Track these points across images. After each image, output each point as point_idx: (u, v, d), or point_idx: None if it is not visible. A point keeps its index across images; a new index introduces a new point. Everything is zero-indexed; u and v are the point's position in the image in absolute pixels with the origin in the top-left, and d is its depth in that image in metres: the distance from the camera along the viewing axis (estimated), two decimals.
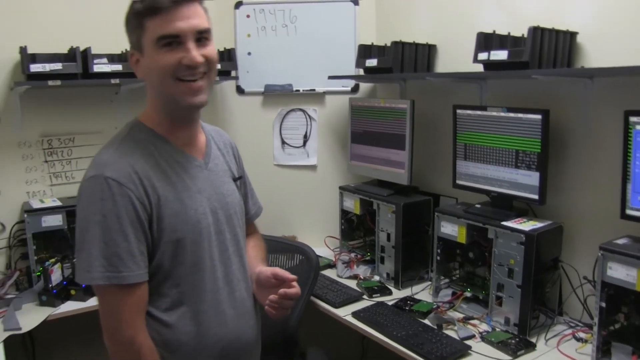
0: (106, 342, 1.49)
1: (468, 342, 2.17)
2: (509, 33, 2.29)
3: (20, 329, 2.39)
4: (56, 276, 2.62)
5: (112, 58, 2.87)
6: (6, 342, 2.30)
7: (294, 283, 1.68)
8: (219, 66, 3.08)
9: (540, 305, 2.23)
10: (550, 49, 2.15)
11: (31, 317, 2.48)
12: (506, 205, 2.41)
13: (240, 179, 1.81)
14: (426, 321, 2.36)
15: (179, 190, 1.55)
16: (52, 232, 2.75)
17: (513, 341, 2.15)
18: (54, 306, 2.56)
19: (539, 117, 2.20)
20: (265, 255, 1.95)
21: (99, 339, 1.51)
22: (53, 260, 2.64)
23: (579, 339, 2.17)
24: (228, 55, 3.19)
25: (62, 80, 2.70)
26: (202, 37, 1.48)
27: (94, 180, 1.45)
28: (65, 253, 2.76)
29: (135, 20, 1.48)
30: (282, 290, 1.64)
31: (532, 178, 2.27)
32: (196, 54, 1.45)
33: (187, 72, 1.47)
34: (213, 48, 1.53)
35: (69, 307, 2.58)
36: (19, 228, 2.86)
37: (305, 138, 3.39)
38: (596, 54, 2.22)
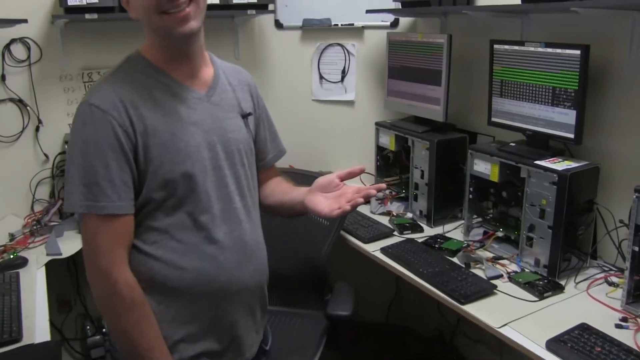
0: (86, 273, 1.46)
1: (495, 282, 2.16)
2: None
3: (60, 254, 2.51)
4: None
5: None
6: (50, 266, 2.42)
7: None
8: None
9: (572, 247, 2.19)
10: None
11: (72, 243, 2.58)
12: (542, 144, 2.34)
13: (249, 115, 1.71)
14: (455, 259, 2.35)
15: (170, 121, 1.49)
16: None
17: (541, 282, 2.12)
18: None
19: (577, 52, 2.11)
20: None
21: None
22: None
23: (610, 284, 2.13)
24: None
25: (99, 14, 2.71)
26: None
27: (80, 107, 1.44)
28: None
29: None
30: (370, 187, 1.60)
31: (568, 116, 2.19)
32: None
33: (169, 4, 1.40)
34: None
35: None
36: (61, 158, 2.95)
37: (343, 73, 3.35)
38: None
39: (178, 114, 1.51)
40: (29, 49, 2.85)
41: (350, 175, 1.67)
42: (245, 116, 1.69)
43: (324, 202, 1.64)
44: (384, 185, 1.78)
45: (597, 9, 2.03)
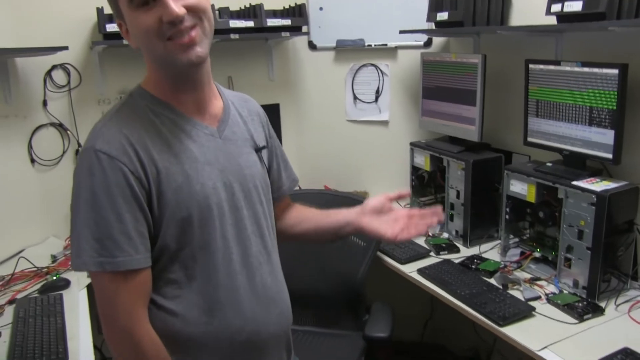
0: (104, 333, 1.34)
1: (533, 304, 2.13)
2: None
3: None
4: None
5: None
6: (91, 287, 2.37)
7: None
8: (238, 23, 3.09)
9: (612, 268, 2.15)
10: None
11: None
12: (579, 164, 2.32)
13: (264, 149, 1.60)
14: (492, 280, 2.34)
15: (183, 162, 1.37)
16: None
17: (580, 304, 2.09)
18: None
19: (615, 71, 2.09)
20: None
21: None
22: None
23: None
24: (299, 11, 3.17)
25: None
26: None
27: (84, 153, 1.30)
28: None
29: None
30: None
31: (606, 136, 2.16)
32: (173, 6, 1.25)
33: (171, 29, 1.28)
34: None
35: None
36: None
37: (377, 93, 3.36)
38: None
39: (191, 153, 1.39)
40: (69, 74, 2.94)
41: (400, 197, 1.69)
42: (259, 150, 1.58)
43: (383, 226, 1.61)
44: (441, 217, 1.69)
45: (633, 27, 2.02)
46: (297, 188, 1.92)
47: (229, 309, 1.42)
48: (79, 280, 2.46)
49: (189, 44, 1.31)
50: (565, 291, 2.21)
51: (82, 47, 2.95)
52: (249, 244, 1.47)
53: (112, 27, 2.75)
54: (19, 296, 2.34)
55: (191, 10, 1.29)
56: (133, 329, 1.31)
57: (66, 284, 2.42)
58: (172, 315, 1.38)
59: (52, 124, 2.93)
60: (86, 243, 1.26)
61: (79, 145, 2.97)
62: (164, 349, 1.36)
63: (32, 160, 2.89)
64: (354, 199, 2.74)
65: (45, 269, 2.55)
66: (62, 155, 2.97)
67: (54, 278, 2.46)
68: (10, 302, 2.29)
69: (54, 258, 2.68)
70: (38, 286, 2.41)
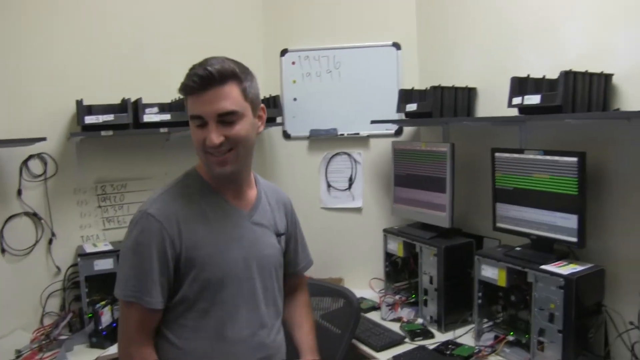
0: (118, 347, 1.73)
1: None
2: (544, 76, 2.29)
3: None
4: (106, 318, 2.72)
5: (163, 107, 2.98)
6: None
7: None
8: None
9: (584, 350, 2.18)
10: (584, 92, 2.16)
11: (82, 358, 2.58)
12: (546, 248, 2.39)
13: (283, 235, 1.95)
14: None
15: (217, 235, 1.73)
16: (103, 275, 2.83)
17: None
18: (103, 347, 2.66)
19: (575, 159, 2.19)
20: (311, 319, 2.10)
21: None
22: (103, 302, 2.75)
23: None
24: (274, 102, 3.28)
25: (114, 130, 2.84)
26: (226, 119, 1.63)
27: (139, 214, 1.69)
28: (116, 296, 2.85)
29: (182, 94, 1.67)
30: None
31: (570, 221, 2.24)
32: (214, 136, 1.61)
33: (210, 149, 1.65)
34: (240, 127, 1.66)
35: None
36: (73, 271, 2.99)
37: (351, 181, 3.44)
38: (634, 95, 2.20)
39: (225, 230, 1.76)
40: (45, 164, 2.96)
41: None
42: (279, 235, 1.92)
43: None
44: None
45: (589, 120, 2.14)
46: None
47: (229, 356, 1.74)
48: None
49: (222, 162, 1.67)
50: None
51: (60, 138, 2.99)
52: (256, 308, 1.80)
53: (91, 119, 2.79)
54: None
55: (228, 139, 1.64)
56: (131, 347, 1.68)
57: None
58: (182, 352, 1.71)
59: (26, 213, 2.93)
60: (127, 280, 1.65)
61: (53, 234, 2.97)
62: None
63: (3, 250, 2.86)
64: (329, 287, 2.75)
65: None
66: (34, 245, 2.94)
67: None
68: None
69: (19, 353, 2.58)
70: None
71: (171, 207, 1.70)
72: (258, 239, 1.83)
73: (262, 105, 1.79)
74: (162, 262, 1.65)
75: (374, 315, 2.94)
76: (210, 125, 1.63)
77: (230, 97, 1.63)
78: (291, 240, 2.04)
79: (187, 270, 1.69)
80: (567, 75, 2.11)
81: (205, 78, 1.59)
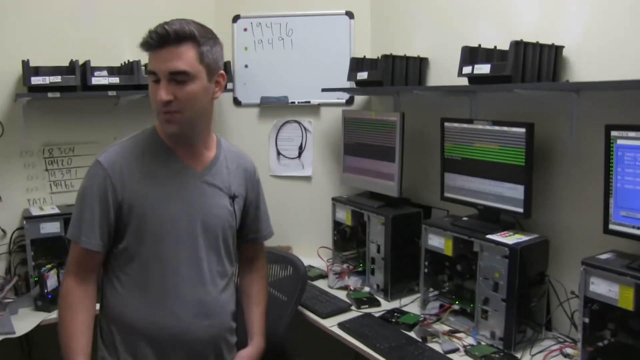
0: None
1: (451, 356, 2.16)
2: (495, 47, 2.29)
3: (14, 332, 2.44)
4: (52, 282, 2.68)
5: (112, 71, 2.93)
6: (2, 344, 2.36)
7: None
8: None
9: (526, 319, 2.22)
10: (534, 63, 2.17)
11: (26, 321, 2.55)
12: (493, 218, 2.41)
13: (236, 198, 1.94)
14: (412, 334, 2.36)
15: (158, 190, 1.78)
16: (50, 239, 2.79)
17: (497, 355, 2.14)
18: (48, 311, 2.62)
19: (522, 130, 2.21)
20: (266, 298, 2.18)
21: (93, 344, 1.79)
22: (49, 266, 2.71)
23: (565, 355, 2.16)
24: (225, 68, 3.20)
25: (62, 93, 2.77)
26: (177, 78, 1.66)
27: (94, 162, 1.79)
28: (62, 260, 2.77)
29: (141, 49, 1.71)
30: None
31: (517, 191, 2.27)
32: (163, 92, 1.65)
33: (160, 106, 1.68)
34: (191, 89, 1.68)
35: None
36: (19, 234, 2.93)
37: (301, 149, 3.42)
38: (584, 68, 2.22)
39: (170, 186, 1.80)
40: None
41: None
42: (232, 197, 1.93)
43: None
44: None
45: (537, 90, 2.15)
46: None
47: (166, 310, 1.78)
48: None
49: (168, 120, 1.71)
50: (483, 343, 2.26)
51: (6, 99, 2.91)
52: (197, 265, 1.83)
53: (37, 80, 2.72)
54: None
55: (178, 97, 1.67)
56: (67, 278, 1.79)
57: None
58: (121, 297, 1.79)
59: None
60: (73, 220, 1.77)
61: None
62: (75, 295, 1.76)
63: None
64: (277, 254, 2.73)
65: None
66: None
67: None
68: None
69: None
70: None
71: (120, 157, 1.77)
72: (207, 198, 1.85)
73: (222, 72, 1.80)
74: (103, 207, 1.74)
75: (321, 284, 2.94)
76: (162, 82, 1.66)
77: (184, 57, 1.66)
78: (251, 207, 2.06)
79: (127, 221, 1.76)
80: (518, 45, 2.11)
81: (162, 36, 1.64)
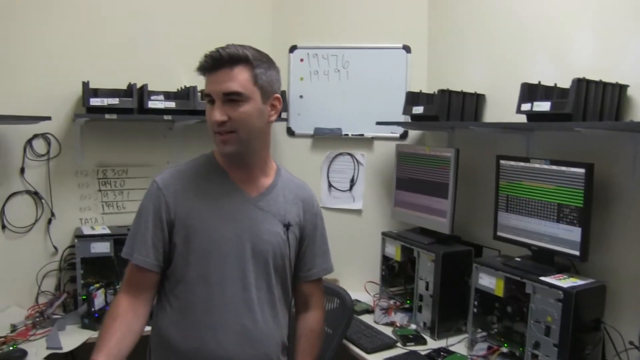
0: None
1: None
2: (555, 84, 2.25)
3: (61, 348, 2.48)
4: (99, 301, 2.72)
5: (168, 95, 2.99)
6: (48, 359, 2.39)
7: None
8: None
9: None
10: (596, 102, 2.11)
11: (73, 338, 2.58)
12: (547, 260, 2.33)
13: (291, 227, 1.90)
14: None
15: (210, 210, 1.80)
16: (100, 259, 2.84)
17: None
18: (94, 330, 2.64)
19: (582, 170, 2.14)
20: (316, 352, 2.03)
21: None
22: (97, 285, 2.75)
23: None
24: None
25: (119, 115, 2.85)
26: (231, 98, 1.69)
27: (151, 182, 1.84)
28: (110, 279, 2.85)
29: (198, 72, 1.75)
30: None
31: (573, 233, 2.19)
32: (217, 113, 1.70)
33: (215, 127, 1.72)
34: (243, 109, 1.71)
35: None
36: (70, 252, 3.00)
37: (352, 182, 3.40)
38: None
39: (223, 207, 1.81)
40: (49, 144, 2.97)
41: None
42: (287, 226, 1.89)
43: None
44: None
45: (598, 129, 2.09)
46: None
47: (210, 334, 1.77)
48: (37, 352, 2.39)
49: (222, 141, 1.74)
50: None
51: (65, 120, 3.00)
52: (243, 290, 1.80)
53: (96, 102, 2.80)
54: None
55: (232, 118, 1.70)
56: (118, 295, 1.81)
57: (22, 355, 2.34)
58: (171, 325, 1.80)
59: (28, 192, 2.94)
60: (128, 238, 1.81)
61: (52, 214, 2.98)
62: (119, 308, 1.76)
63: (3, 227, 2.88)
64: (325, 286, 2.69)
65: (2, 339, 2.47)
66: (34, 224, 2.96)
67: (11, 348, 2.39)
68: None
69: (14, 328, 2.60)
70: None
71: (175, 178, 1.82)
72: (258, 223, 1.84)
73: (278, 95, 1.82)
74: (157, 225, 1.77)
75: (367, 318, 2.90)
76: (216, 103, 1.70)
77: (237, 79, 1.69)
78: (305, 241, 2.00)
79: (178, 240, 1.77)
80: (580, 82, 2.06)
81: (216, 59, 1.69)
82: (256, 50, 1.76)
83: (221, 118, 1.69)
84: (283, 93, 3.26)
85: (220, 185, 1.83)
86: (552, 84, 2.27)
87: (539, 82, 2.29)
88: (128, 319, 1.74)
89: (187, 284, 1.78)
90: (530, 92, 2.29)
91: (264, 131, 1.83)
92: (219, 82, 1.69)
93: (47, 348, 2.45)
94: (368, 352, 2.52)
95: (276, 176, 1.94)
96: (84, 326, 2.68)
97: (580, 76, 2.09)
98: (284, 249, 1.88)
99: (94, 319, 2.67)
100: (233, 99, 1.69)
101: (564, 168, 2.22)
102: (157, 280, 1.82)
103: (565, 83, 2.16)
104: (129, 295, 1.78)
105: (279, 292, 1.90)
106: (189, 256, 1.77)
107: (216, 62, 1.69)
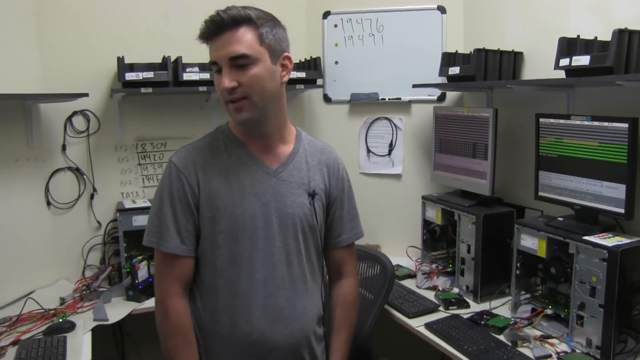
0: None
1: None
2: (595, 37, 2.17)
3: (107, 320, 2.55)
4: (142, 273, 2.77)
5: (204, 67, 2.98)
6: (96, 331, 2.45)
7: None
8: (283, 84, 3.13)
9: (627, 328, 2.06)
10: (639, 54, 2.02)
11: (118, 310, 2.64)
12: (591, 219, 2.28)
13: (317, 195, 1.83)
14: (501, 337, 2.27)
15: (233, 188, 1.72)
16: (142, 231, 2.82)
17: None
18: (139, 301, 2.71)
19: (625, 125, 2.07)
20: (352, 322, 1.99)
21: None
22: (140, 257, 2.80)
23: None
24: (314, 64, 3.23)
25: (154, 88, 2.86)
26: (238, 62, 1.61)
27: (167, 163, 1.76)
28: (152, 252, 2.85)
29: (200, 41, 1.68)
30: None
31: (618, 191, 2.13)
32: (226, 79, 1.61)
33: (226, 95, 1.64)
34: (254, 72, 1.63)
35: (153, 303, 2.69)
36: (112, 226, 3.07)
37: (391, 147, 3.37)
38: None
39: (242, 183, 1.73)
40: (88, 120, 3.03)
41: None
42: (312, 195, 1.82)
43: None
44: None
45: None
46: None
47: (242, 316, 1.73)
48: (84, 324, 2.45)
49: (236, 109, 1.66)
50: (577, 350, 2.14)
51: (103, 96, 3.04)
52: (273, 269, 1.75)
53: (131, 76, 2.82)
54: (24, 337, 2.32)
55: (242, 83, 1.62)
56: (165, 297, 1.72)
57: (71, 326, 2.41)
58: (199, 308, 1.77)
59: (70, 168, 3.01)
60: (152, 226, 1.73)
61: (94, 189, 3.05)
62: (186, 322, 1.73)
63: (48, 203, 2.95)
64: (366, 252, 2.70)
65: (53, 311, 2.55)
66: (77, 199, 3.03)
67: (60, 320, 2.46)
68: (14, 343, 2.27)
69: (63, 300, 2.69)
70: (43, 328, 2.40)
71: (193, 156, 1.74)
72: (283, 195, 1.77)
73: (287, 53, 1.73)
74: (185, 209, 1.71)
75: (409, 283, 2.89)
76: (224, 69, 1.62)
77: (242, 41, 1.61)
78: (333, 207, 1.92)
79: (204, 223, 1.72)
80: (621, 33, 1.98)
81: (217, 22, 1.61)
82: (259, 10, 1.67)
83: (231, 84, 1.61)
84: (318, 60, 3.24)
85: (240, 160, 1.76)
86: (591, 37, 2.19)
87: (578, 35, 2.21)
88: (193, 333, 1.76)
89: (215, 267, 1.74)
90: (569, 46, 2.21)
91: (278, 93, 1.74)
92: (223, 47, 1.60)
93: (94, 320, 2.52)
94: (410, 317, 2.52)
95: (297, 142, 1.86)
96: (129, 298, 2.74)
97: (622, 27, 2.01)
98: (310, 219, 1.82)
99: (138, 291, 2.72)
100: (241, 63, 1.60)
101: (606, 124, 2.15)
102: (193, 267, 1.77)
103: (606, 35, 2.07)
104: (176, 295, 1.73)
105: (310, 264, 1.85)
106: (217, 238, 1.72)
107: (218, 26, 1.60)
